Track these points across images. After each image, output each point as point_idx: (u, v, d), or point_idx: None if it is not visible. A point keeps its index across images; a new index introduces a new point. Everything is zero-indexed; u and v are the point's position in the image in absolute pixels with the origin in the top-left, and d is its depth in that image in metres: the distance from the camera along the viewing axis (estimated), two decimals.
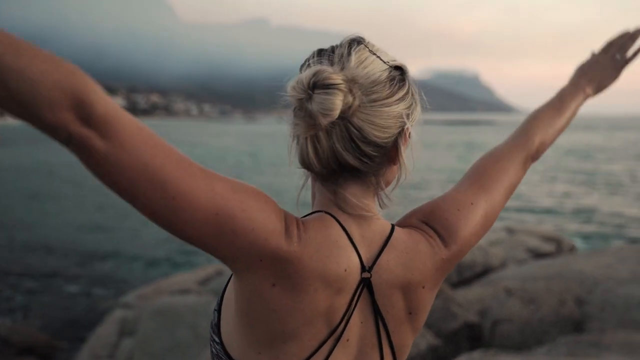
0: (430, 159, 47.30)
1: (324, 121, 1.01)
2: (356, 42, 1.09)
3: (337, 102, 1.00)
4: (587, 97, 1.62)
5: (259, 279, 1.00)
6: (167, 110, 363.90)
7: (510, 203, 24.43)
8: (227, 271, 10.38)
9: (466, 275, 8.18)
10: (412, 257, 1.13)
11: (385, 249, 1.11)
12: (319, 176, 1.12)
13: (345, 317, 1.08)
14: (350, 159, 1.05)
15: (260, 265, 0.99)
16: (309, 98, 1.02)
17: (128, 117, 0.87)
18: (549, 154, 54.23)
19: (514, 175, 1.36)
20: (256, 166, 44.70)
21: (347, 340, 1.10)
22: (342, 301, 1.07)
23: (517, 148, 1.40)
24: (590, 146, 67.12)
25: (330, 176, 1.10)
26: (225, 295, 1.16)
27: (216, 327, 1.14)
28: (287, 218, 1.03)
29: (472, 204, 1.24)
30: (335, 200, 1.11)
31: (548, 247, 9.81)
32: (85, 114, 0.81)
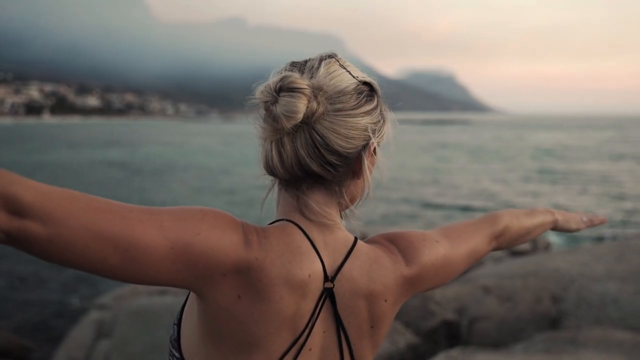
0: (404, 158, 47.56)
1: (288, 124, 1.03)
2: (328, 56, 1.12)
3: (301, 105, 1.02)
4: (555, 221, 1.70)
5: (224, 294, 1.00)
6: (143, 110, 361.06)
7: (486, 203, 24.67)
8: None
9: None
10: (375, 269, 1.14)
11: (349, 259, 1.12)
12: (282, 182, 1.13)
13: (309, 325, 1.07)
14: (314, 166, 1.06)
15: (225, 280, 0.99)
16: (275, 101, 1.04)
17: (57, 192, 0.85)
18: (523, 153, 54.67)
19: (479, 243, 1.39)
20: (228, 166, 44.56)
21: (310, 350, 1.09)
22: (307, 307, 1.07)
23: (485, 222, 1.45)
24: (563, 146, 67.94)
25: (294, 182, 1.11)
26: (185, 311, 1.15)
27: (176, 342, 1.13)
28: (244, 227, 1.04)
29: (437, 241, 1.26)
30: (298, 206, 1.12)
31: (524, 246, 9.90)
32: (15, 207, 0.80)
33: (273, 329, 1.04)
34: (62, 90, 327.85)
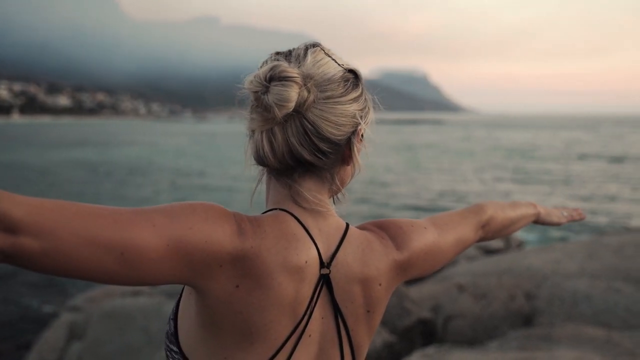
0: (376, 159, 47.73)
1: (280, 113, 1.03)
2: (312, 45, 1.13)
3: (293, 93, 1.03)
4: (537, 214, 1.75)
5: (222, 285, 1.00)
6: (115, 110, 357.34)
7: (457, 204, 24.87)
8: None
9: None
10: (368, 254, 1.17)
11: (343, 244, 1.14)
12: (273, 172, 1.14)
13: (308, 311, 1.09)
14: (305, 154, 1.07)
15: (222, 271, 0.99)
16: (266, 90, 1.04)
17: (47, 204, 0.84)
18: (493, 153, 55.26)
19: (467, 232, 1.42)
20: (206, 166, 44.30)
21: (310, 336, 1.11)
22: (305, 294, 1.08)
23: (471, 212, 1.48)
24: (532, 145, 68.79)
25: (285, 171, 1.12)
26: (181, 306, 1.14)
27: (173, 337, 1.12)
28: (236, 217, 1.03)
29: (425, 228, 1.29)
30: (290, 195, 1.13)
31: (497, 244, 10.00)
32: (6, 225, 0.79)
33: (273, 316, 1.04)
34: (32, 89, 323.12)
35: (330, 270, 1.11)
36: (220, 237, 0.98)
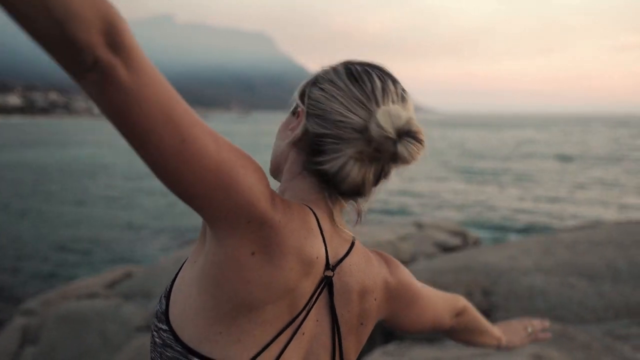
0: None
1: (398, 165, 1.11)
2: (397, 80, 1.18)
3: (418, 157, 1.10)
4: (500, 341, 1.80)
5: (239, 245, 0.99)
6: (68, 109, 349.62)
7: (419, 201, 25.09)
8: (137, 273, 10.11)
9: None
10: (369, 267, 1.21)
11: (349, 254, 1.17)
12: (320, 176, 1.15)
13: (307, 307, 1.09)
14: (368, 189, 1.14)
15: (246, 229, 0.98)
16: (397, 141, 1.08)
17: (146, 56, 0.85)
18: (450, 152, 56.02)
19: (444, 309, 1.47)
20: None
21: (303, 334, 1.10)
22: (307, 289, 1.09)
23: (447, 295, 1.53)
24: (488, 144, 69.90)
25: (335, 188, 1.16)
26: (180, 276, 1.13)
27: (164, 315, 1.10)
28: (271, 189, 1.05)
29: (412, 276, 1.35)
30: (325, 203, 1.16)
31: (455, 241, 10.11)
32: (115, 41, 0.78)
33: (275, 297, 1.03)
34: None
35: (333, 274, 1.13)
36: (260, 193, 0.98)
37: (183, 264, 1.16)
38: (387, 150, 1.07)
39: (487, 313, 7.14)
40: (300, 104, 1.17)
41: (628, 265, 8.07)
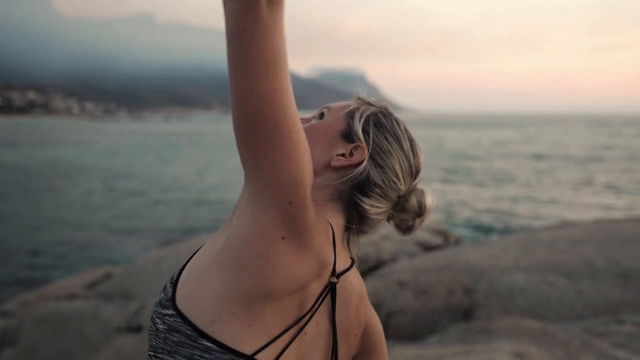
0: None
1: (413, 226, 1.28)
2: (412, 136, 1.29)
3: (418, 226, 1.29)
4: None
5: (273, 224, 1.03)
6: (46, 109, 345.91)
7: None
8: (117, 274, 10.04)
9: (360, 269, 8.32)
10: (362, 284, 1.31)
11: (350, 270, 1.24)
12: (354, 216, 1.24)
13: (314, 308, 1.13)
14: (380, 224, 1.28)
15: (286, 209, 1.03)
16: (418, 217, 1.27)
17: None
18: (428, 151, 56.23)
19: None
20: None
21: (305, 334, 1.14)
22: (315, 290, 1.13)
23: None
24: (467, 143, 70.36)
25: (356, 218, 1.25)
26: (193, 261, 1.16)
27: (170, 302, 1.11)
28: None
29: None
30: (341, 225, 1.22)
31: (436, 240, 10.15)
32: None
33: (291, 289, 1.07)
34: None
35: (337, 281, 1.17)
36: (309, 180, 1.05)
37: (194, 254, 1.20)
38: (407, 220, 1.27)
39: (469, 312, 7.18)
40: (363, 142, 1.22)
41: (606, 264, 8.16)
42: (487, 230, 18.93)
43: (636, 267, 8.03)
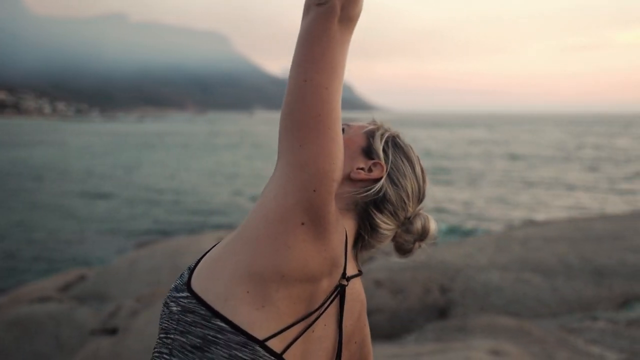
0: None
1: (412, 249, 1.33)
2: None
3: (417, 247, 1.35)
4: None
5: (295, 207, 1.09)
6: (17, 109, 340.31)
7: None
8: (91, 276, 9.92)
9: None
10: (363, 292, 1.35)
11: (357, 277, 1.29)
12: (366, 229, 1.29)
13: (322, 308, 1.16)
14: (387, 241, 1.32)
15: (309, 196, 1.09)
16: (418, 240, 1.33)
17: None
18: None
19: None
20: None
21: (313, 332, 1.17)
22: (326, 288, 1.16)
23: None
24: (442, 142, 70.81)
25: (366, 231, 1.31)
26: (213, 250, 1.20)
27: (185, 285, 1.15)
28: None
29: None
30: (356, 232, 1.28)
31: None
32: (344, 6, 1.12)
33: (304, 277, 1.11)
34: None
35: (347, 284, 1.20)
36: (336, 178, 1.12)
37: (215, 245, 1.23)
38: (409, 241, 1.32)
39: (445, 310, 7.22)
40: (383, 159, 1.30)
41: (579, 261, 8.27)
42: (462, 229, 19.06)
43: (609, 264, 8.16)
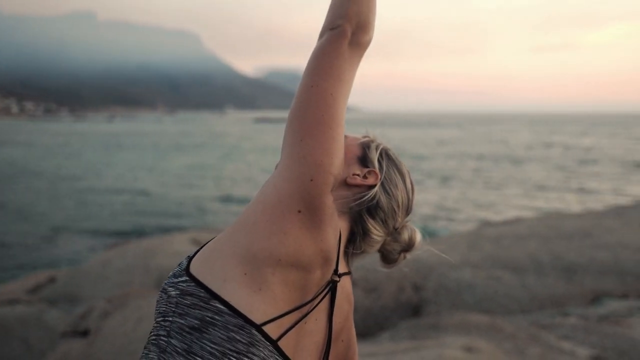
0: (261, 160, 47.80)
1: (397, 260, 1.39)
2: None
3: (402, 258, 1.40)
4: None
5: (293, 195, 1.14)
6: None
7: None
8: (62, 277, 9.78)
9: None
10: (352, 293, 1.38)
11: (347, 275, 1.32)
12: (358, 233, 1.34)
13: (315, 300, 1.19)
14: (376, 246, 1.36)
15: (306, 185, 1.15)
16: (405, 251, 1.39)
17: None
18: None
19: None
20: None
21: (305, 324, 1.19)
22: (318, 281, 1.19)
23: None
24: (414, 142, 71.27)
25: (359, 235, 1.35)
26: (211, 240, 1.22)
27: (184, 270, 1.18)
28: None
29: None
30: (349, 232, 1.32)
31: None
32: (355, 31, 1.27)
33: (299, 263, 1.14)
34: None
35: (339, 280, 1.24)
36: (334, 172, 1.18)
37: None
38: (395, 250, 1.38)
39: (418, 308, 7.26)
40: (377, 169, 1.36)
41: (550, 258, 8.39)
42: (433, 228, 19.21)
43: (579, 261, 8.29)
